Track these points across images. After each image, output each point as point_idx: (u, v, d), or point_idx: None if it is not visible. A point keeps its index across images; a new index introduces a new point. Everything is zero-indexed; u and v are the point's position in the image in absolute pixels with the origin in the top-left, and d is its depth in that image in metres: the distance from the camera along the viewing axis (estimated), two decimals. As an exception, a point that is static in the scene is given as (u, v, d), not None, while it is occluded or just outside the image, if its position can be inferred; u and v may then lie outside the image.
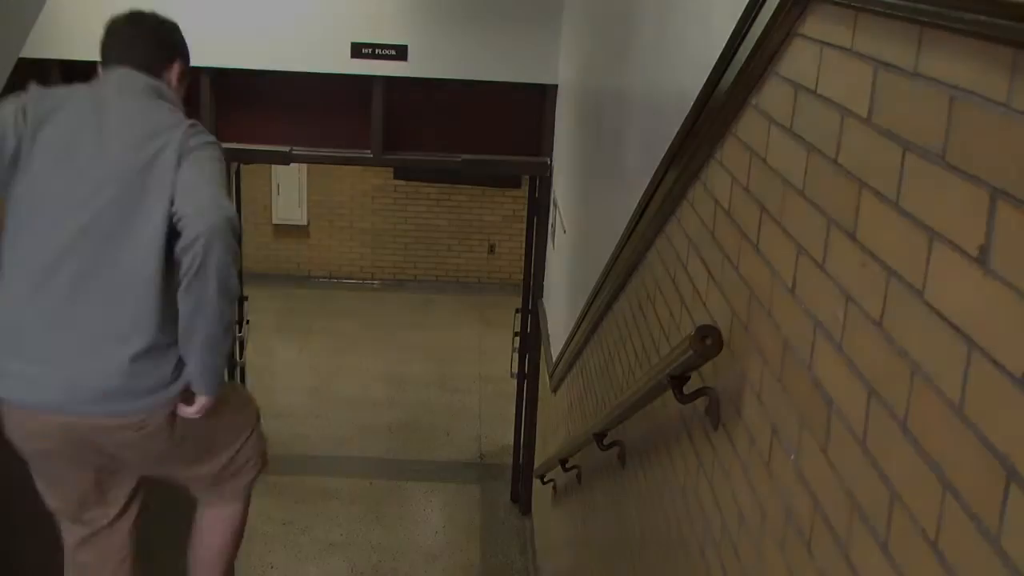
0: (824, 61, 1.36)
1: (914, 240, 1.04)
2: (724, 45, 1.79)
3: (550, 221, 5.76)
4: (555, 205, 5.55)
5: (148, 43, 2.67)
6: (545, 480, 4.88)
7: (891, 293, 1.09)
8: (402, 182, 11.13)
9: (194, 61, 5.74)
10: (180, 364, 2.42)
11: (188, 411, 2.43)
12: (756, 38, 1.61)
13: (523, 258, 6.28)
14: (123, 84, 2.54)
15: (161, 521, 3.00)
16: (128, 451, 2.52)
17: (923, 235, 1.02)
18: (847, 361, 1.21)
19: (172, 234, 2.34)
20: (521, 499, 6.46)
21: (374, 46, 5.42)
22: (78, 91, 2.58)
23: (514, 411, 6.58)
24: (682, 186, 2.19)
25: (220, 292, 2.31)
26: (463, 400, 8.19)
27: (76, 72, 5.62)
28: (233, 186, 6.17)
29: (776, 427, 1.46)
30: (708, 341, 1.63)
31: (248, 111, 5.71)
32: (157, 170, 2.36)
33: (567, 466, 3.82)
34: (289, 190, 11.03)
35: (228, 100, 5.66)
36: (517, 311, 6.37)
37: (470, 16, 5.42)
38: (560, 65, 5.44)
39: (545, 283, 5.95)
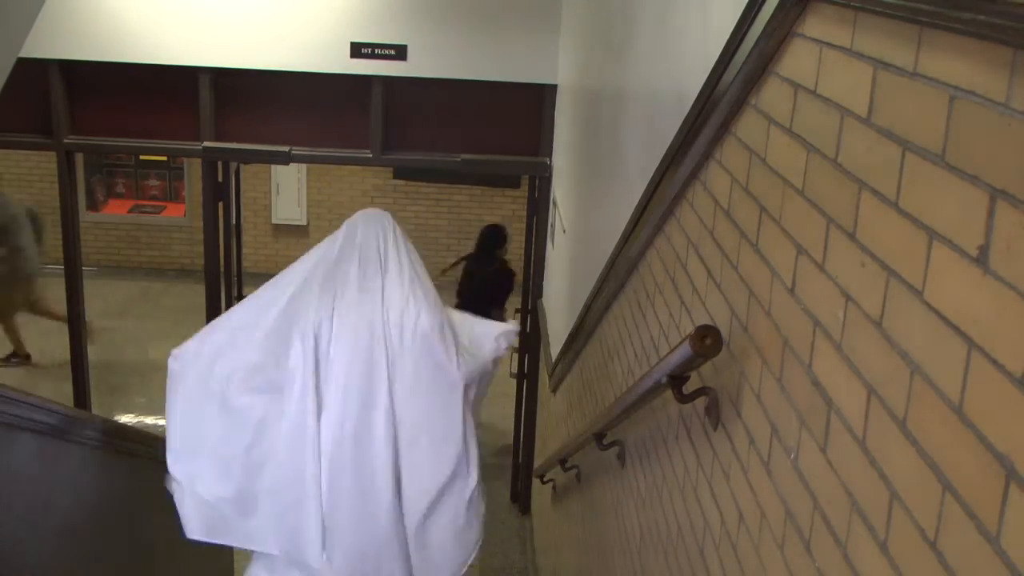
0: (824, 61, 1.36)
1: (914, 240, 1.04)
2: (724, 45, 1.79)
3: (550, 221, 5.76)
4: (555, 205, 5.55)
5: None
6: (545, 480, 4.88)
7: (891, 293, 1.09)
8: (401, 182, 11.13)
9: (194, 61, 5.75)
10: None
11: None
12: (756, 38, 1.61)
13: (523, 258, 6.29)
14: None
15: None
16: None
17: (923, 235, 1.02)
18: (847, 361, 1.21)
19: None
20: (521, 499, 6.46)
21: (374, 46, 5.42)
22: None
23: (514, 411, 6.58)
24: (682, 186, 2.19)
25: None
26: (463, 400, 8.15)
27: (76, 72, 5.64)
28: (233, 187, 6.17)
29: (776, 427, 1.46)
30: (708, 341, 1.63)
31: (248, 111, 5.71)
32: None
33: (567, 466, 3.82)
34: (289, 190, 11.03)
35: (228, 100, 5.66)
36: (517, 311, 6.37)
37: (470, 16, 5.42)
38: (560, 65, 5.44)
39: (545, 283, 5.95)
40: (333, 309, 2.91)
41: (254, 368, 2.89)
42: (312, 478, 2.90)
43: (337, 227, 3.06)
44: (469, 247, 11.72)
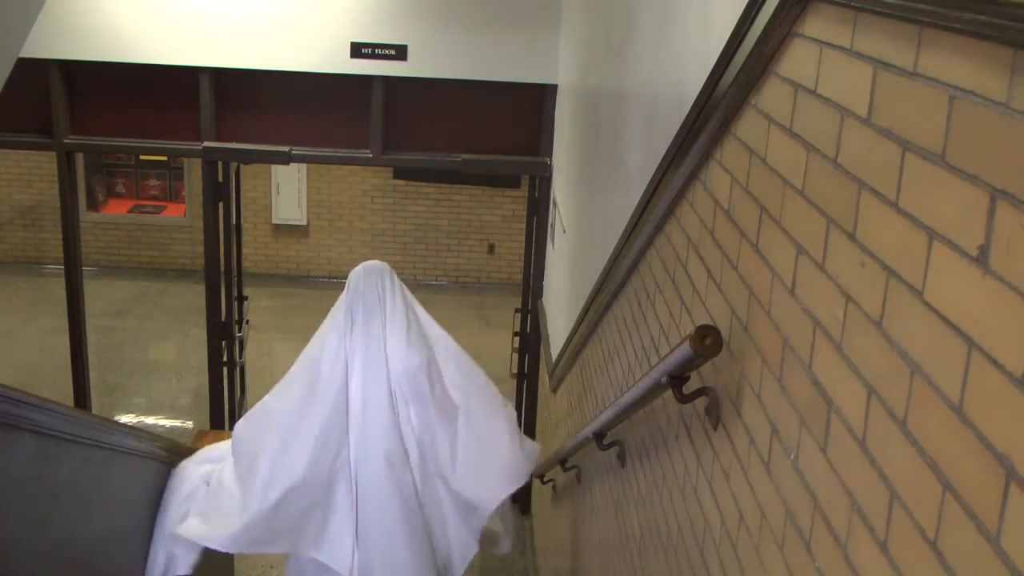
0: (824, 61, 1.36)
1: (914, 240, 1.04)
2: (724, 45, 1.79)
3: (550, 221, 5.76)
4: (555, 205, 5.55)
5: None
6: (545, 480, 4.88)
7: (891, 293, 1.09)
8: (401, 182, 11.13)
9: (194, 61, 5.75)
10: None
11: None
12: (756, 38, 1.61)
13: (523, 258, 6.29)
14: None
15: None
16: None
17: (923, 235, 1.02)
18: (847, 361, 1.21)
19: None
20: (521, 499, 6.46)
21: (374, 46, 5.42)
22: None
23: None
24: (682, 186, 2.19)
25: None
26: (463, 400, 8.14)
27: (76, 72, 5.64)
28: (233, 187, 6.17)
29: (776, 427, 1.46)
30: (708, 341, 1.63)
31: (248, 111, 5.71)
32: None
33: (567, 466, 3.82)
34: (289, 190, 11.03)
35: (228, 100, 5.66)
36: (517, 311, 6.37)
37: (470, 16, 5.42)
38: (560, 65, 5.44)
39: (545, 283, 5.95)
40: (350, 344, 3.32)
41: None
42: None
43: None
44: (469, 247, 11.78)
